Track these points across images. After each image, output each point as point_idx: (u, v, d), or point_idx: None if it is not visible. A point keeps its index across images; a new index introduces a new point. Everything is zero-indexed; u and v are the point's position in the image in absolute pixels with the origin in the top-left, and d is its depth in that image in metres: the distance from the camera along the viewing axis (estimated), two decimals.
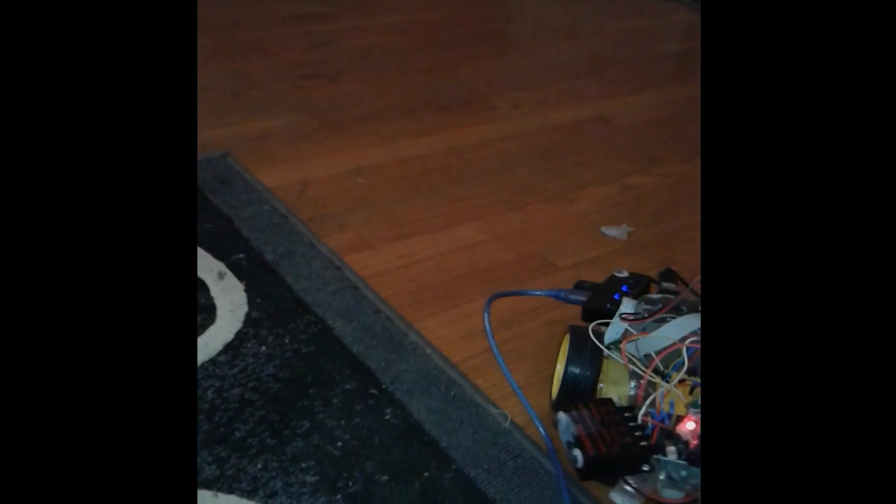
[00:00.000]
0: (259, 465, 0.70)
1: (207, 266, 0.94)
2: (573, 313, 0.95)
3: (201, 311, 0.87)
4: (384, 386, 0.80)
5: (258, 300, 0.90)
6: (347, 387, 0.79)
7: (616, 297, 0.80)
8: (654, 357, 0.70)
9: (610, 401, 0.69)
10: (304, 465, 0.70)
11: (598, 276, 1.03)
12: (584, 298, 0.85)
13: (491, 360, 0.86)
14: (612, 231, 1.14)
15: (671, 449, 0.64)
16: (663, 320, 0.73)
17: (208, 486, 0.68)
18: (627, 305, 0.77)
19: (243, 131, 1.31)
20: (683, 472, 0.63)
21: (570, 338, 0.76)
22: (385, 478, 0.70)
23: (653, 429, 0.66)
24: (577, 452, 0.64)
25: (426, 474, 0.71)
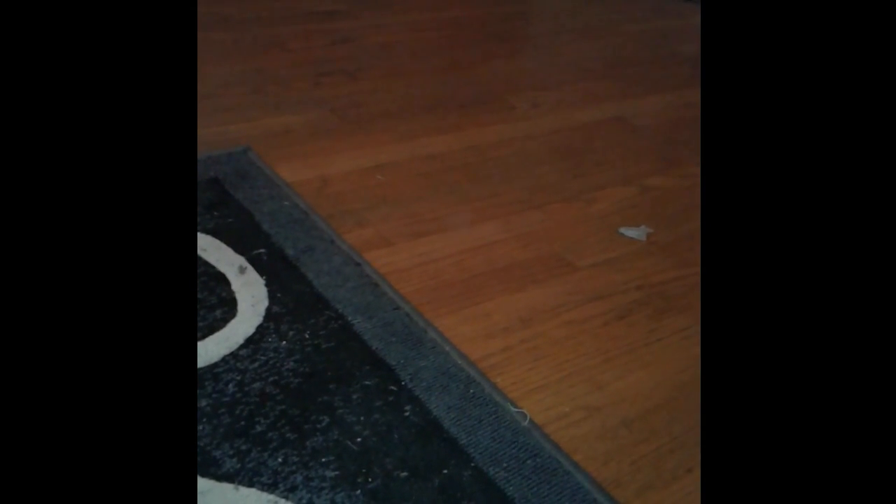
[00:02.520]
0: (279, 459, 0.70)
1: (228, 260, 0.95)
2: (593, 313, 0.96)
3: (223, 304, 0.88)
4: (403, 383, 0.80)
5: (279, 295, 0.90)
6: (367, 383, 0.79)
7: None
8: None
9: None
10: (323, 459, 0.71)
11: (617, 278, 1.03)
12: None
13: (510, 358, 0.87)
14: (630, 232, 1.13)
15: None
16: None
17: (229, 479, 0.68)
18: None
19: (264, 126, 1.32)
20: None
21: None
22: (404, 474, 0.70)
23: None
24: None
25: (445, 471, 0.71)
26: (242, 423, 0.73)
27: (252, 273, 0.94)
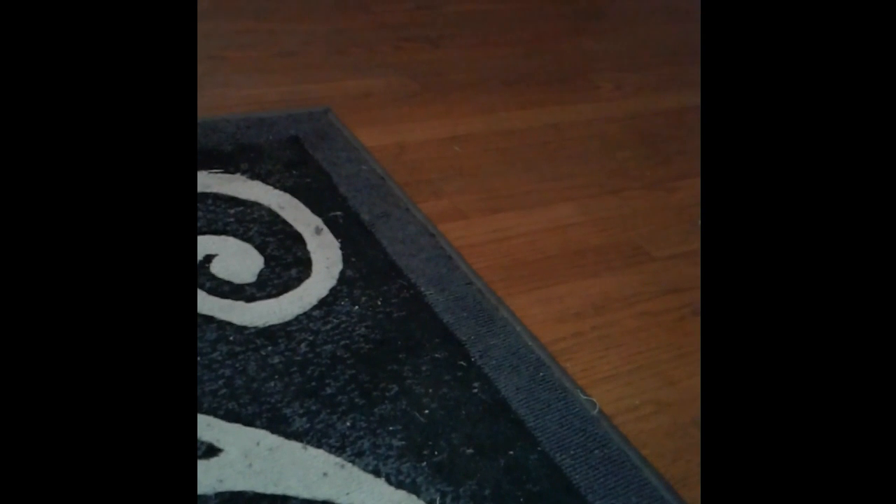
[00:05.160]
0: (348, 423, 0.70)
1: (305, 220, 0.95)
2: (668, 306, 0.93)
3: (298, 263, 0.88)
4: (473, 359, 0.80)
5: (353, 259, 0.90)
6: (437, 355, 0.79)
7: None
8: None
9: None
10: (391, 428, 0.71)
11: (694, 272, 1.01)
12: None
13: (580, 344, 0.85)
14: None
15: None
16: None
17: (298, 437, 0.69)
18: None
19: (344, 88, 1.31)
20: None
21: None
22: (470, 451, 0.70)
23: None
24: None
25: (511, 452, 0.70)
26: (313, 383, 0.74)
27: (328, 235, 0.94)
